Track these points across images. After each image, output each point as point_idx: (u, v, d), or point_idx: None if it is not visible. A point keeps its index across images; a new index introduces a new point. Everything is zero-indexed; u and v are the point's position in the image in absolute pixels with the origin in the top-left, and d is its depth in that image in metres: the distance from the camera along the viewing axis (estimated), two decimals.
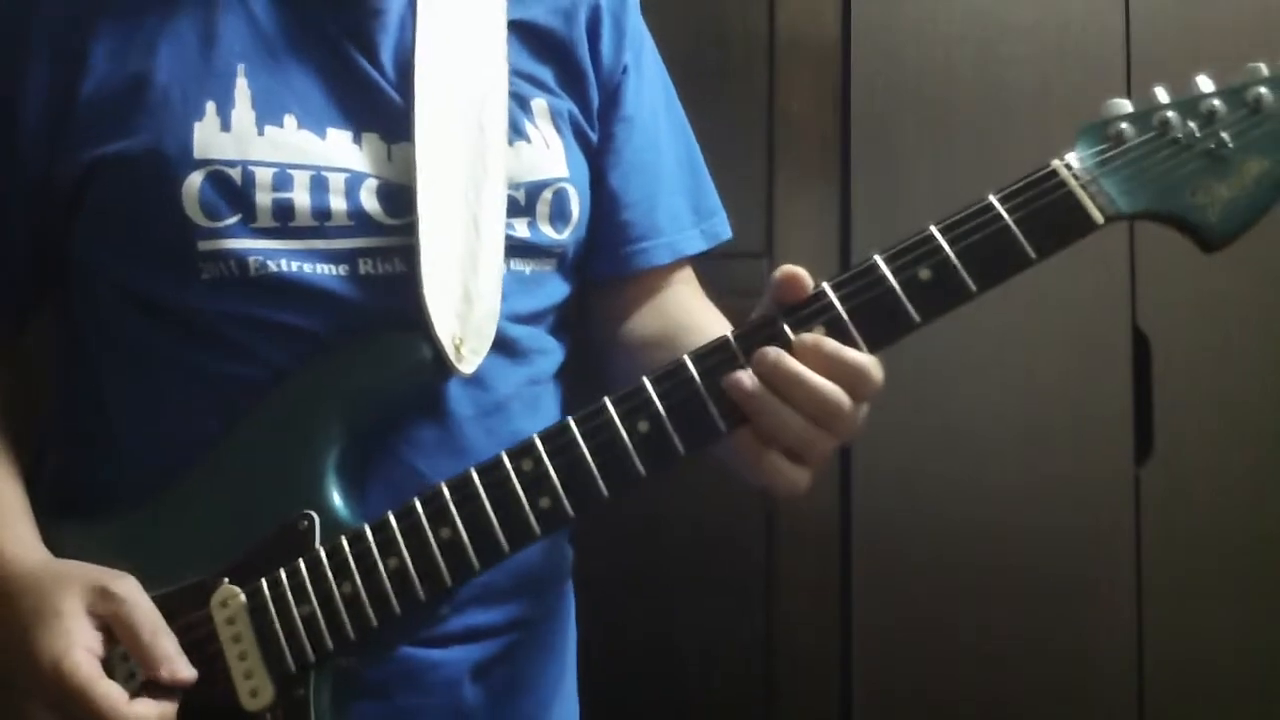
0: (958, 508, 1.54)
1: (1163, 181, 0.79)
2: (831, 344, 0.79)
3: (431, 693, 0.91)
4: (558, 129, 0.97)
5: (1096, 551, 1.55)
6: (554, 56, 0.99)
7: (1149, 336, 1.56)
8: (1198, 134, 0.79)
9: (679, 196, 1.06)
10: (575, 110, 0.99)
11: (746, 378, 0.78)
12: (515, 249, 0.93)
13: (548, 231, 0.95)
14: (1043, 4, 1.59)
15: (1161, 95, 0.81)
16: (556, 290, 0.98)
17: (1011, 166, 1.54)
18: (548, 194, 0.94)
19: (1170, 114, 0.80)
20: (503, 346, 0.91)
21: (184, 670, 0.80)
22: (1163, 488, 1.55)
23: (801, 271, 0.80)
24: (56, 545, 0.86)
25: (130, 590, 0.81)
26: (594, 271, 1.02)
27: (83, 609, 0.79)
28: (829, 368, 0.78)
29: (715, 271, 1.10)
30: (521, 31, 0.97)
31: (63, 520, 0.88)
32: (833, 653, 1.54)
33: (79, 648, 0.78)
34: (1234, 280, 1.56)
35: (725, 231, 1.09)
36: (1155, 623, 1.54)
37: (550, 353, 0.98)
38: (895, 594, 1.54)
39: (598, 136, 1.01)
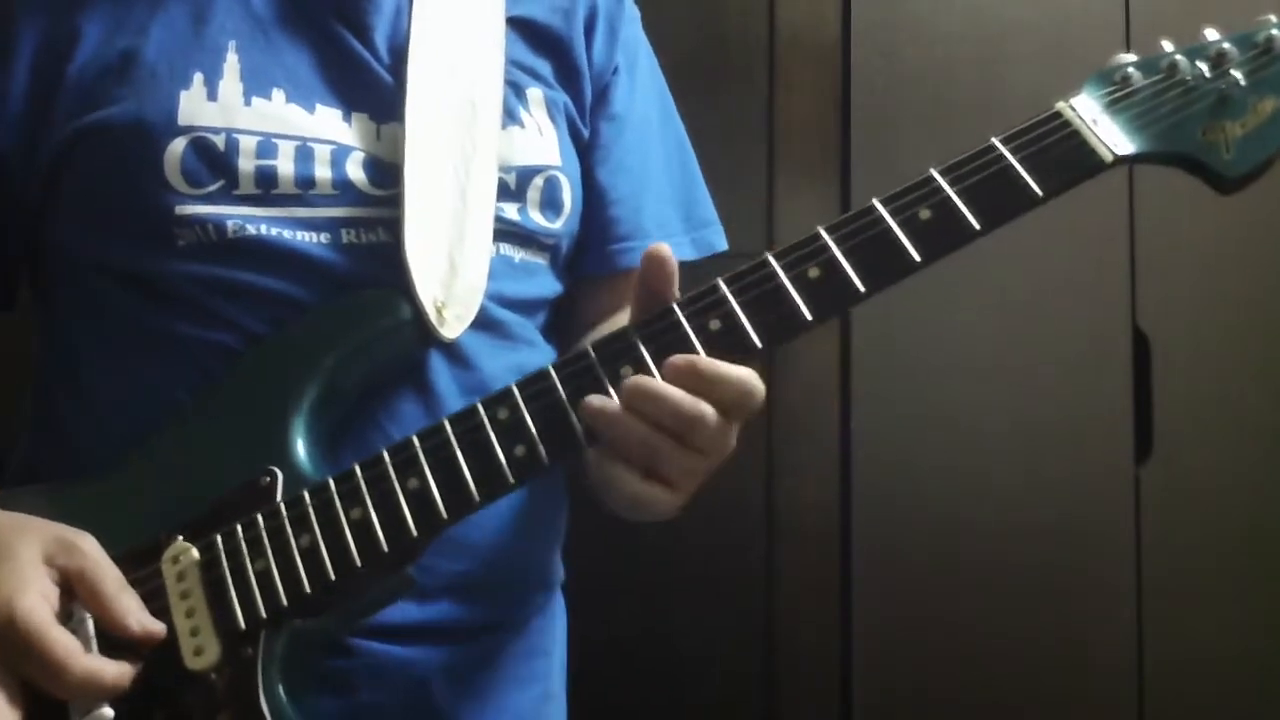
0: (958, 507, 1.54)
1: (1171, 120, 0.78)
2: (706, 362, 0.75)
3: (397, 691, 0.87)
4: (552, 119, 0.97)
5: (1096, 550, 1.55)
6: (552, 51, 0.99)
7: (1149, 336, 1.56)
8: (1207, 74, 0.79)
9: (668, 205, 1.05)
10: (570, 104, 0.99)
11: (608, 402, 0.75)
12: (505, 233, 0.92)
13: (538, 219, 0.94)
14: (1043, 3, 1.59)
15: (1167, 45, 0.81)
16: (547, 285, 0.98)
17: None
18: (539, 180, 0.94)
19: (1178, 57, 0.79)
20: (489, 326, 0.91)
21: (153, 623, 0.76)
22: (1163, 487, 1.55)
23: (665, 250, 0.78)
24: (14, 509, 0.82)
25: (91, 545, 0.77)
26: (580, 267, 1.02)
27: (40, 557, 0.76)
28: (704, 386, 0.75)
29: (715, 272, 1.10)
30: (520, 27, 0.98)
31: (22, 488, 0.85)
32: (833, 651, 1.54)
33: (34, 592, 0.73)
34: (1234, 280, 1.56)
35: (719, 243, 1.08)
36: (1155, 621, 1.54)
37: (539, 347, 0.97)
38: (896, 593, 1.54)
39: (589, 133, 1.01)
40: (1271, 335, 1.57)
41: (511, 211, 0.93)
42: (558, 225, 0.96)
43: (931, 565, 1.54)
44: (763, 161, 1.57)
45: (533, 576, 0.97)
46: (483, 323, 0.89)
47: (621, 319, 1.00)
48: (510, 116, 0.94)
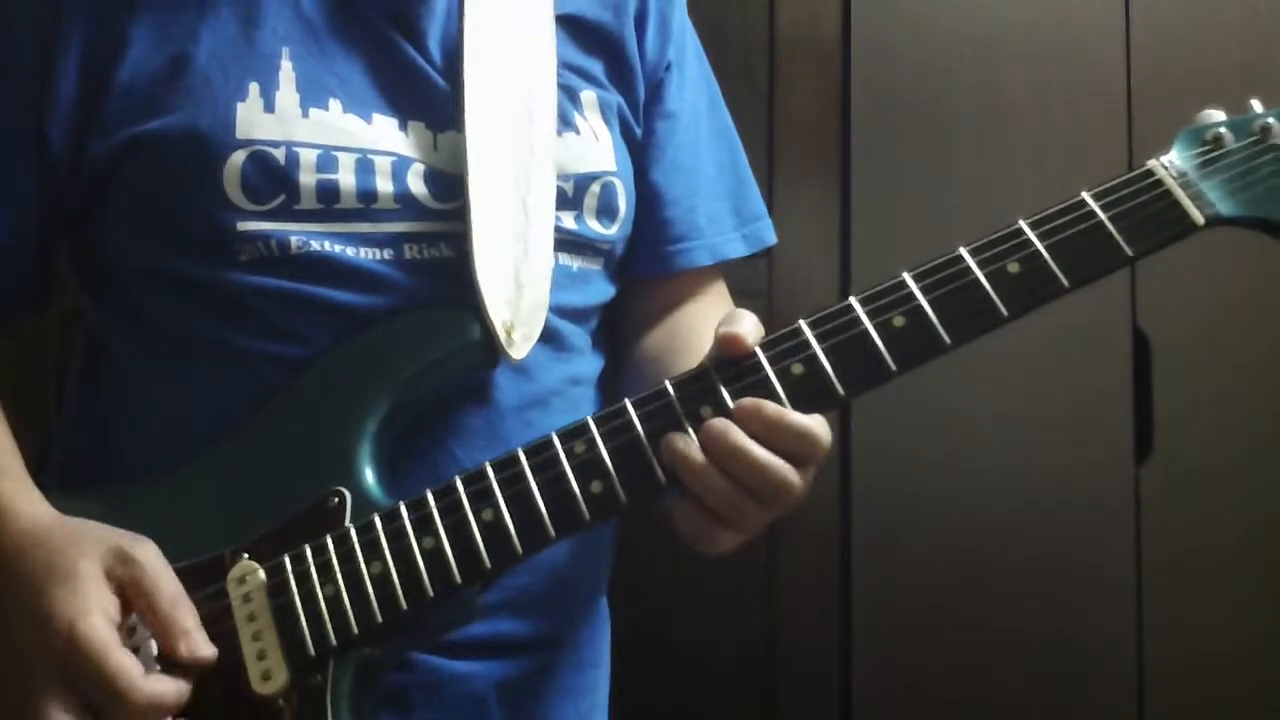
0: (958, 506, 1.54)
1: (1263, 186, 0.78)
2: (772, 409, 0.75)
3: (454, 708, 0.87)
4: (606, 122, 0.96)
5: (1096, 551, 1.55)
6: (603, 50, 0.98)
7: (1149, 336, 1.56)
8: None
9: (720, 200, 1.03)
10: (623, 104, 0.98)
11: (691, 448, 0.75)
12: (563, 243, 0.91)
13: (595, 226, 0.93)
14: (1042, 3, 1.59)
15: (1257, 105, 0.80)
16: (601, 290, 0.97)
17: (1011, 166, 1.57)
18: (595, 187, 0.93)
19: (1271, 120, 0.79)
20: (549, 338, 0.89)
21: (203, 647, 0.75)
22: (1162, 487, 1.55)
23: (739, 334, 0.78)
24: (72, 513, 0.81)
25: (149, 555, 0.76)
26: (635, 268, 1.00)
27: (101, 570, 0.75)
28: (769, 434, 0.75)
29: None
30: (570, 25, 0.96)
31: (78, 489, 0.85)
32: (833, 651, 1.53)
33: (96, 611, 0.73)
34: (1234, 280, 1.56)
35: (769, 236, 1.06)
36: (1155, 621, 1.53)
37: (589, 354, 0.96)
38: (896, 592, 1.54)
39: (641, 132, 0.99)
40: (1271, 335, 1.57)
41: (569, 220, 0.92)
42: (613, 231, 0.95)
43: (932, 565, 1.54)
44: (763, 161, 1.57)
45: (586, 588, 0.97)
46: (543, 334, 0.88)
47: (676, 321, 1.01)
48: (565, 123, 0.93)
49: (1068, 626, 1.54)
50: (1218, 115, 0.80)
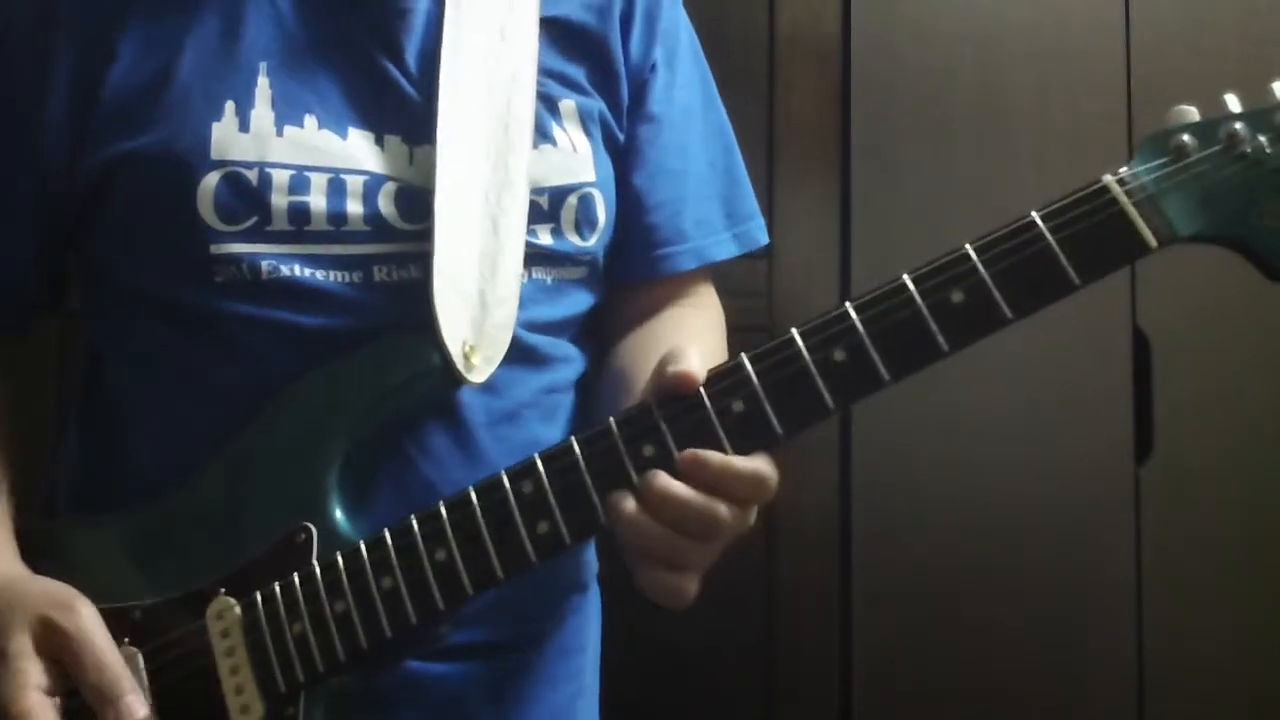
0: (958, 508, 1.54)
1: (1226, 201, 0.72)
2: (716, 460, 0.75)
3: (436, 707, 0.88)
4: (586, 131, 0.94)
5: (1096, 551, 1.55)
6: (587, 54, 0.96)
7: (1149, 336, 1.56)
8: (1268, 149, 0.71)
9: (710, 201, 1.02)
10: (605, 110, 0.96)
11: (629, 505, 0.75)
12: (538, 257, 0.90)
13: (573, 239, 0.92)
14: (1042, 3, 1.60)
15: (1233, 104, 0.73)
16: (580, 301, 0.95)
17: (1011, 166, 1.57)
18: (573, 199, 0.91)
19: (1239, 126, 0.72)
20: (520, 354, 0.89)
21: (137, 710, 0.77)
22: (1163, 487, 1.55)
23: (689, 373, 0.77)
24: (62, 548, 0.85)
25: (76, 622, 0.78)
26: (619, 273, 0.99)
27: (32, 646, 0.77)
28: (717, 484, 0.75)
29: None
30: (554, 29, 0.95)
31: (67, 523, 0.87)
32: (833, 651, 1.54)
33: (30, 691, 0.76)
34: (1234, 280, 1.55)
35: (761, 237, 1.05)
36: (1155, 622, 1.54)
37: (571, 360, 0.95)
38: (896, 595, 1.54)
39: (624, 136, 0.98)
40: (1271, 335, 1.57)
41: (545, 235, 0.91)
42: (592, 242, 0.93)
43: (931, 566, 1.54)
44: (763, 161, 1.57)
45: (569, 583, 0.97)
46: (513, 352, 0.88)
47: (656, 325, 0.99)
48: (543, 135, 0.91)
49: (1067, 627, 1.54)
50: (1190, 114, 0.74)
